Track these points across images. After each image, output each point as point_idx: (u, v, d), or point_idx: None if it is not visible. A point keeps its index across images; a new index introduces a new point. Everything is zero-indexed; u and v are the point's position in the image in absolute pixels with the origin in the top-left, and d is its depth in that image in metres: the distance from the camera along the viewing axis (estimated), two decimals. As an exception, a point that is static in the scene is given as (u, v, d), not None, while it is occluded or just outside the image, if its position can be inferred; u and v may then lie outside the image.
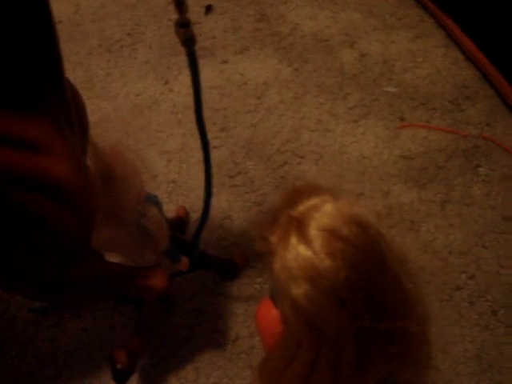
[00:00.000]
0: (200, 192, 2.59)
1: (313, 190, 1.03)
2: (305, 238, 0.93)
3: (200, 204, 2.54)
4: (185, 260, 2.04)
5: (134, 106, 3.08)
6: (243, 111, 3.00)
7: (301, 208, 0.97)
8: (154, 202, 1.88)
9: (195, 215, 2.54)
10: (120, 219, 1.70)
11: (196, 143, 2.82)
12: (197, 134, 2.81)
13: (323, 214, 0.95)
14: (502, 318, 2.19)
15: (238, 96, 3.08)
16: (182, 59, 3.25)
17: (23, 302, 2.33)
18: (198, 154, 2.77)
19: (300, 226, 0.94)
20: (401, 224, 2.47)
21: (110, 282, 1.69)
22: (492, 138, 2.80)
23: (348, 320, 0.91)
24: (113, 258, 1.88)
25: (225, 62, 3.27)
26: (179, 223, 2.42)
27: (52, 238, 1.36)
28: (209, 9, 3.58)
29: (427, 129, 2.87)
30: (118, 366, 1.84)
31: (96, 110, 2.83)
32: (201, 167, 2.68)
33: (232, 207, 2.58)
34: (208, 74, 3.10)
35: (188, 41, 1.50)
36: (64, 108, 1.36)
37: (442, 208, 2.54)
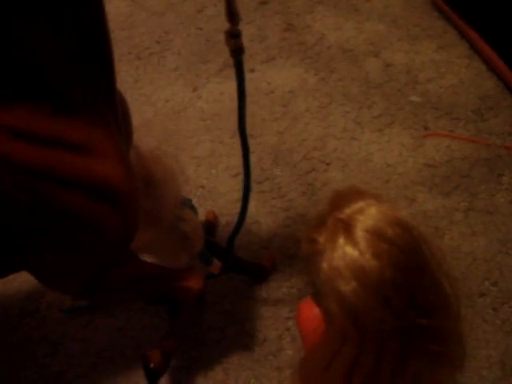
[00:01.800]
0: (228, 197, 2.67)
1: (357, 193, 1.08)
2: (351, 239, 0.97)
3: (229, 209, 2.61)
4: (217, 263, 2.09)
5: (164, 112, 3.14)
6: (270, 119, 3.05)
7: (347, 211, 1.02)
8: (190, 205, 1.93)
9: (224, 219, 2.59)
10: (158, 222, 1.75)
11: (225, 150, 2.90)
12: (226, 141, 2.92)
13: (368, 216, 1.00)
14: (525, 325, 2.23)
15: (265, 104, 3.14)
16: (211, 67, 3.36)
17: (54, 302, 2.37)
18: (227, 160, 2.84)
19: (347, 227, 0.99)
20: (425, 231, 2.49)
21: (149, 283, 1.74)
22: (515, 148, 2.84)
23: (391, 317, 0.96)
24: (147, 259, 1.93)
25: (252, 70, 3.32)
26: (208, 227, 2.47)
27: (99, 239, 1.41)
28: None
29: (451, 138, 2.91)
30: (151, 366, 1.86)
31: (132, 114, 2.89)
32: (229, 173, 2.77)
33: (259, 212, 2.63)
34: (235, 82, 3.15)
35: (237, 51, 1.55)
36: (113, 111, 1.41)
37: (466, 216, 2.57)
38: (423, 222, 2.53)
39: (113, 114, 1.40)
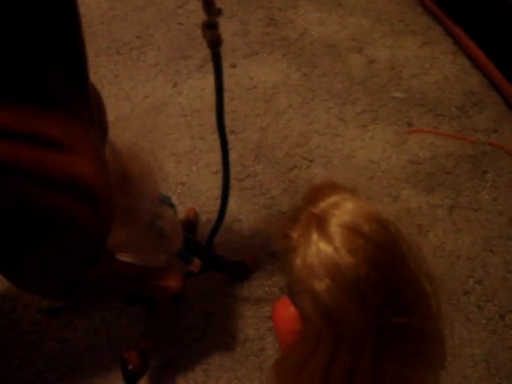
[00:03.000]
0: (209, 194, 2.63)
1: (333, 187, 1.04)
2: (326, 235, 0.94)
3: (209, 206, 2.57)
4: (197, 261, 2.05)
5: (143, 108, 3.09)
6: (252, 115, 3.02)
7: (322, 205, 0.98)
8: (168, 203, 1.90)
9: (204, 217, 2.55)
10: (135, 220, 1.71)
11: (205, 146, 2.86)
12: (206, 137, 2.88)
13: (344, 211, 0.96)
14: (509, 323, 2.21)
15: (247, 99, 3.10)
16: (192, 62, 3.32)
17: (31, 303, 2.34)
18: (207, 157, 2.80)
19: (321, 222, 0.95)
20: (409, 228, 2.44)
21: (127, 282, 1.70)
22: (499, 145, 2.82)
23: (367, 315, 0.92)
24: (124, 258, 1.89)
25: (234, 65, 3.28)
26: (189, 225, 2.44)
27: (74, 237, 1.37)
28: (218, 13, 3.58)
29: (435, 134, 2.88)
30: (130, 367, 1.84)
31: (109, 109, 2.85)
32: (210, 170, 2.73)
33: (241, 210, 2.59)
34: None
35: (214, 43, 1.51)
36: (87, 106, 1.37)
37: (450, 213, 2.55)
38: (407, 219, 2.51)
39: (87, 109, 1.36)
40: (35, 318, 2.31)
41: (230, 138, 2.79)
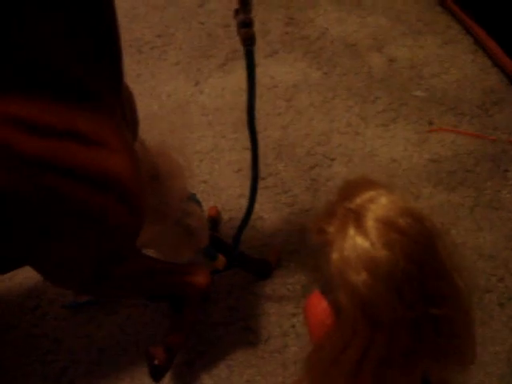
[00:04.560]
0: (231, 192, 2.65)
1: (368, 183, 1.06)
2: (362, 229, 0.96)
3: (231, 204, 2.59)
4: (222, 258, 2.07)
5: (165, 107, 3.11)
6: (273, 113, 3.03)
7: (357, 200, 1.00)
8: (195, 200, 1.92)
9: (226, 215, 2.57)
10: (164, 217, 1.74)
11: (226, 144, 2.88)
12: (228, 136, 2.89)
13: (379, 205, 0.98)
14: (531, 321, 2.22)
15: (268, 98, 3.12)
16: (213, 61, 3.34)
17: (55, 299, 2.36)
18: (229, 155, 2.82)
19: (357, 217, 0.98)
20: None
21: (155, 278, 1.72)
22: (520, 143, 2.82)
23: (403, 307, 0.94)
24: (151, 254, 1.91)
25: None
26: (211, 223, 2.45)
27: (106, 232, 1.39)
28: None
29: (455, 133, 2.89)
30: (156, 362, 1.85)
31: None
32: (232, 168, 2.75)
33: (263, 208, 2.60)
34: (238, 76, 3.13)
35: (248, 40, 1.53)
36: (120, 104, 1.39)
37: (472, 211, 2.56)
38: (429, 217, 2.51)
39: (120, 107, 1.38)
40: (59, 314, 2.33)
41: (252, 137, 2.83)
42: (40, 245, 1.38)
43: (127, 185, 1.33)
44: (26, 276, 2.34)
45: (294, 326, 2.22)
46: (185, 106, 3.11)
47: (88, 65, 1.26)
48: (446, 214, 2.55)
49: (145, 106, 3.08)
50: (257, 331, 2.23)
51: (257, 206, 2.56)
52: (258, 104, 3.01)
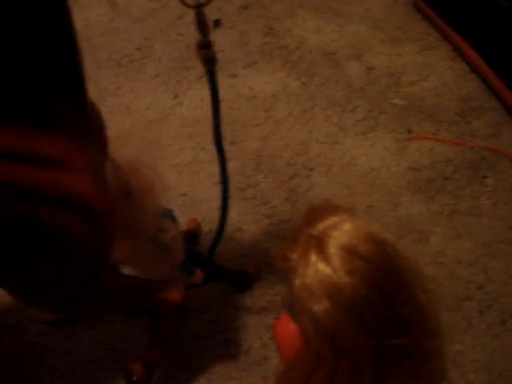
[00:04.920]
0: (211, 204, 2.64)
1: (331, 208, 1.06)
2: (324, 256, 0.96)
3: (211, 216, 2.58)
4: (199, 273, 2.07)
5: (144, 119, 3.11)
6: (252, 124, 3.04)
7: (320, 226, 1.00)
8: (170, 216, 1.91)
9: (206, 227, 2.57)
10: (137, 234, 1.73)
11: (206, 156, 2.87)
12: (208, 148, 2.88)
13: (342, 232, 0.98)
14: (511, 328, 2.22)
15: (247, 109, 3.12)
16: (192, 73, 3.34)
17: (36, 315, 2.34)
18: (209, 168, 2.81)
19: (319, 244, 0.97)
20: (410, 235, 2.49)
21: (129, 295, 1.72)
22: (498, 149, 2.83)
23: (366, 336, 0.94)
24: (127, 271, 1.91)
25: (233, 76, 3.30)
26: (191, 236, 2.45)
27: (74, 253, 1.39)
28: (217, 23, 3.61)
29: (434, 141, 2.90)
30: (134, 378, 1.85)
31: (110, 124, 2.87)
32: (211, 180, 2.75)
33: (242, 220, 2.61)
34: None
35: (209, 61, 1.54)
36: (86, 124, 1.39)
37: (450, 219, 2.56)
38: (407, 226, 2.53)
39: (85, 127, 1.38)
40: (40, 331, 2.32)
41: (230, 148, 2.84)
42: (9, 267, 1.38)
43: (92, 204, 1.33)
44: (5, 292, 2.33)
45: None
46: (164, 118, 3.11)
47: (50, 88, 1.26)
48: (424, 221, 2.55)
49: (122, 121, 3.08)
50: (237, 343, 2.23)
51: (236, 218, 2.57)
52: (237, 115, 3.07)
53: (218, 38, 3.54)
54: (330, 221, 1.01)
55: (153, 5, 3.87)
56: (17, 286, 1.49)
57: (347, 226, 0.99)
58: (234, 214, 2.57)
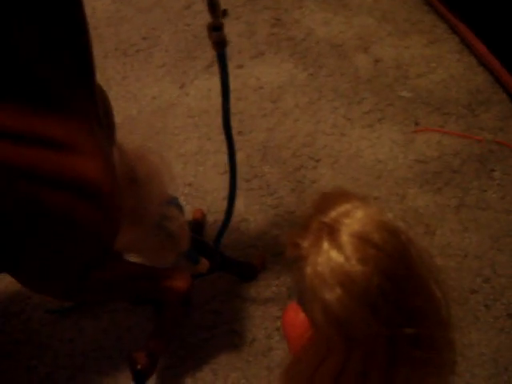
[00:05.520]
0: (216, 195, 2.64)
1: (343, 196, 1.04)
2: (336, 244, 0.94)
3: (216, 206, 2.58)
4: (204, 262, 2.06)
5: (151, 109, 3.10)
6: (259, 115, 3.03)
7: (332, 214, 0.98)
8: (176, 204, 1.90)
9: (212, 217, 2.56)
10: (143, 221, 1.72)
11: (212, 146, 2.87)
12: (214, 138, 2.88)
13: (354, 220, 0.97)
14: (517, 322, 2.21)
15: (254, 100, 3.11)
16: (199, 63, 3.33)
17: (39, 303, 2.35)
18: (214, 158, 2.81)
19: (332, 231, 0.96)
20: (416, 228, 2.48)
21: (134, 283, 1.71)
22: (506, 143, 2.81)
23: (378, 325, 0.93)
24: (132, 259, 1.90)
25: (240, 66, 3.29)
26: (196, 225, 2.44)
27: (79, 237, 1.38)
28: (224, 14, 3.58)
29: (442, 133, 2.88)
30: (138, 367, 1.84)
31: (117, 111, 2.86)
32: (217, 170, 2.74)
33: (248, 210, 2.60)
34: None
35: (219, 44, 1.53)
36: (94, 108, 1.38)
37: (457, 212, 2.55)
38: (414, 218, 2.51)
39: (94, 111, 1.37)
40: (43, 319, 2.33)
41: (237, 138, 2.80)
42: (17, 252, 1.37)
43: (100, 188, 1.32)
44: (10, 281, 2.31)
45: (278, 329, 2.21)
46: (170, 108, 3.11)
47: (58, 71, 1.25)
48: (431, 214, 2.54)
49: (129, 108, 3.07)
50: (241, 334, 2.23)
51: (242, 208, 2.56)
52: (244, 106, 3.05)
53: (224, 28, 3.54)
54: (343, 208, 0.99)
55: (159, -5, 3.86)
56: (23, 272, 1.48)
57: (360, 214, 0.98)
58: (240, 205, 2.57)
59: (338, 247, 0.94)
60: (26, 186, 1.22)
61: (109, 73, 3.32)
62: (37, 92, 1.22)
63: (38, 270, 1.46)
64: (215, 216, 2.54)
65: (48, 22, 1.21)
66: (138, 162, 1.70)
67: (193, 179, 2.74)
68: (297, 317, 1.09)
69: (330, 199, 1.04)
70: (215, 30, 1.52)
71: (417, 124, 2.94)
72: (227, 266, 2.26)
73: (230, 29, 3.53)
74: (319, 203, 1.04)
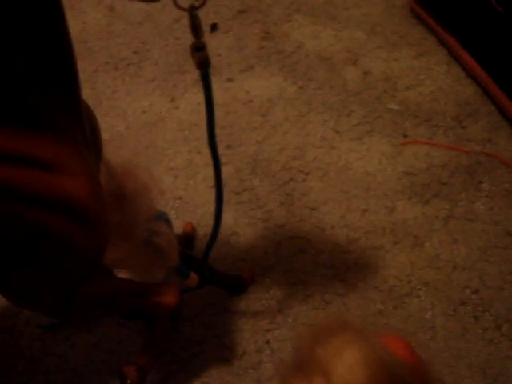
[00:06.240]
0: (206, 208, 2.64)
1: (337, 328, 1.04)
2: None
3: (206, 220, 2.59)
4: (194, 276, 2.07)
5: (140, 123, 3.11)
6: (249, 128, 3.04)
7: (323, 353, 0.99)
8: (164, 219, 1.91)
9: (202, 231, 2.56)
10: (131, 236, 1.73)
11: (202, 160, 2.87)
12: (203, 151, 2.90)
13: (345, 360, 0.97)
14: (506, 333, 2.21)
15: (244, 113, 3.12)
16: (189, 77, 3.34)
17: (31, 318, 2.34)
18: (205, 171, 2.81)
19: (324, 373, 0.96)
20: (405, 240, 2.50)
21: (123, 299, 1.71)
22: (494, 154, 2.83)
23: None
24: (121, 274, 1.91)
25: (230, 80, 3.31)
26: (186, 239, 2.45)
27: (66, 256, 1.38)
28: (214, 27, 3.62)
29: (430, 145, 2.90)
30: (128, 382, 1.84)
31: (105, 127, 2.87)
32: (207, 184, 2.75)
33: (238, 223, 2.60)
34: (214, 92, 3.13)
35: (203, 64, 1.55)
36: (80, 126, 1.39)
37: (446, 223, 2.56)
38: (403, 230, 2.53)
39: (79, 129, 1.38)
40: (35, 334, 2.31)
41: (226, 152, 2.84)
42: (2, 270, 1.37)
43: (87, 207, 1.32)
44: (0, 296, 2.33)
45: (268, 342, 2.22)
46: (160, 121, 3.11)
47: (43, 90, 1.26)
48: (420, 226, 2.55)
49: (118, 123, 3.08)
50: (231, 348, 2.22)
51: (231, 222, 2.57)
52: (234, 119, 3.07)
53: (214, 41, 3.57)
54: (335, 346, 0.99)
55: (150, 9, 3.86)
56: (11, 289, 1.48)
57: (351, 354, 0.97)
58: (229, 218, 2.58)
59: None
60: (12, 206, 1.23)
61: (99, 87, 3.33)
62: (21, 111, 1.22)
63: (24, 289, 1.47)
64: (205, 229, 2.55)
65: (32, 44, 1.21)
66: (125, 178, 1.71)
67: (183, 193, 2.75)
68: None
69: (324, 333, 1.04)
70: (198, 50, 1.54)
71: (405, 136, 2.95)
72: (216, 279, 2.26)
73: (220, 42, 3.55)
74: (311, 339, 1.04)
